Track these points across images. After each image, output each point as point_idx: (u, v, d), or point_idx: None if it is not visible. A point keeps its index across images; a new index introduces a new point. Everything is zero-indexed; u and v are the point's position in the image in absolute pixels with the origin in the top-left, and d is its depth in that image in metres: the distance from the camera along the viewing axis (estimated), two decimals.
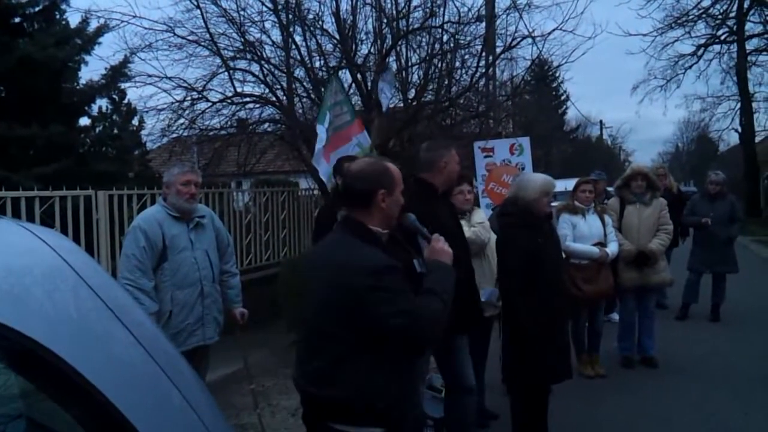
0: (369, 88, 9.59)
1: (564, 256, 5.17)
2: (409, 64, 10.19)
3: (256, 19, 9.63)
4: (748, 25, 25.28)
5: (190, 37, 9.39)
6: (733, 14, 25.06)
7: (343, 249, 2.47)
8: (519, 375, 4.21)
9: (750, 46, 25.90)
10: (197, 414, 1.31)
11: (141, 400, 1.20)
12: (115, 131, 12.22)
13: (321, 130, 6.52)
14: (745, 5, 24.77)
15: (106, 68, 10.85)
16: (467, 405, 4.04)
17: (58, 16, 10.99)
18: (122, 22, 9.28)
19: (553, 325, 4.12)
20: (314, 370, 2.45)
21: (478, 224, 4.86)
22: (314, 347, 2.50)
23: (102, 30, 10.61)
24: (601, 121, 50.22)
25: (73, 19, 11.06)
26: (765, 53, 25.48)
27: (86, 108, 11.42)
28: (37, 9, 10.63)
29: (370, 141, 6.81)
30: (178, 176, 4.17)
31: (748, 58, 25.74)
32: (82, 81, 11.14)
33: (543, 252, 4.12)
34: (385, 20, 9.56)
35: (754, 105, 27.43)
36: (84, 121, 11.68)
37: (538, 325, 4.01)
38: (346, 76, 9.64)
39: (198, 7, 9.21)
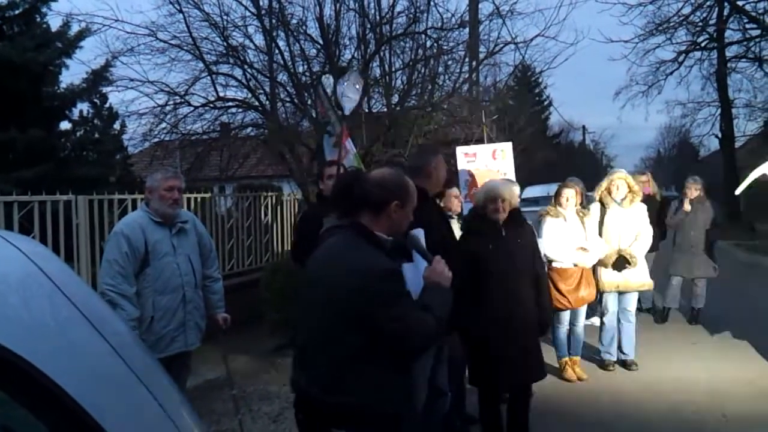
0: None
1: (544, 261, 5.21)
2: (393, 69, 10.22)
3: (239, 23, 9.62)
4: (728, 33, 25.58)
5: (172, 42, 9.35)
6: (713, 21, 25.35)
7: (354, 252, 2.48)
8: (472, 377, 4.34)
9: (729, 53, 26.21)
10: (175, 423, 1.31)
11: (117, 409, 1.19)
12: (96, 135, 12.14)
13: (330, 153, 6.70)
14: (725, 13, 25.08)
15: (87, 72, 10.79)
16: (439, 408, 4.06)
17: (38, 20, 10.90)
18: (104, 26, 9.24)
19: (500, 330, 4.14)
20: (321, 374, 2.44)
21: None
22: (320, 351, 2.48)
23: (83, 34, 10.54)
24: (583, 127, 50.59)
25: (54, 23, 10.98)
26: (744, 60, 25.81)
27: (67, 112, 11.33)
28: (17, 12, 10.54)
29: (355, 149, 6.85)
30: (162, 181, 4.14)
31: (728, 64, 26.04)
32: (63, 85, 11.07)
33: (491, 258, 4.16)
34: (368, 25, 9.58)
35: (733, 111, 27.75)
36: (65, 125, 11.61)
37: (479, 329, 4.07)
38: (329, 80, 9.63)
39: (180, 11, 9.19)
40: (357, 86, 6.93)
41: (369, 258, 2.44)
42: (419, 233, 2.82)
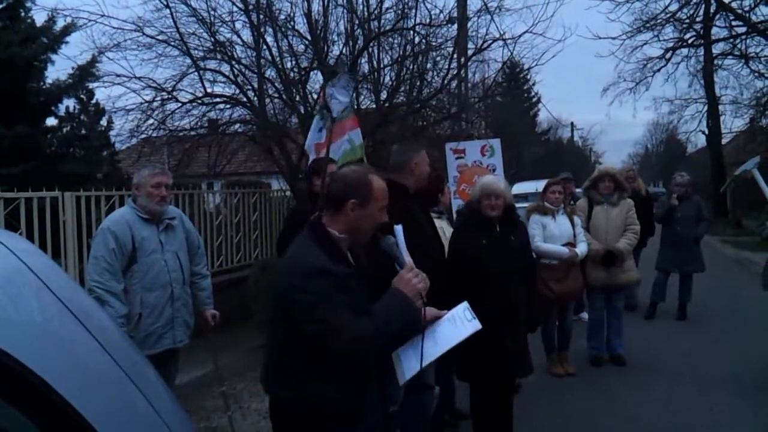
0: None
1: (534, 256, 5.22)
2: (381, 65, 10.20)
3: (226, 19, 9.56)
4: (714, 30, 25.69)
5: (159, 37, 9.28)
6: (699, 18, 25.45)
7: (296, 249, 2.48)
8: (464, 371, 4.34)
9: (716, 50, 26.34)
10: (162, 419, 1.30)
11: (105, 406, 1.18)
12: (83, 132, 11.99)
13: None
14: (712, 10, 25.22)
15: (73, 68, 10.66)
16: (425, 401, 4.07)
17: (23, 14, 10.77)
18: (90, 21, 9.15)
19: (490, 326, 4.14)
20: (264, 367, 2.53)
21: None
22: (267, 347, 2.57)
23: (69, 29, 10.42)
24: (572, 123, 50.83)
25: (39, 18, 10.91)
26: (731, 57, 25.94)
27: (53, 108, 11.20)
28: (0, 6, 10.42)
29: (362, 140, 6.80)
30: (149, 178, 4.11)
31: (715, 61, 26.18)
32: (49, 80, 10.92)
33: (485, 253, 4.17)
34: (357, 21, 9.56)
35: (720, 108, 27.90)
36: (51, 121, 11.45)
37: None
38: (317, 76, 9.63)
39: (167, 6, 9.12)
40: (347, 88, 6.90)
41: (303, 256, 2.39)
42: (397, 231, 2.77)
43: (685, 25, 25.73)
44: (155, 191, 4.10)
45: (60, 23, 10.50)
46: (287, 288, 2.36)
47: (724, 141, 29.37)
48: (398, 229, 2.82)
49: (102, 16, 9.00)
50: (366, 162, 6.51)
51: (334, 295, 2.30)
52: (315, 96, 8.93)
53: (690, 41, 26.54)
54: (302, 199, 5.57)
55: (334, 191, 2.50)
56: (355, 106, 10.33)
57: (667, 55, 26.52)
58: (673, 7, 24.71)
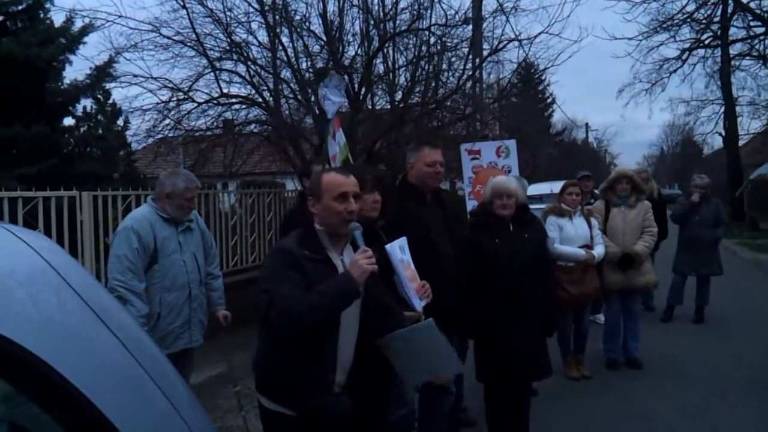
0: (356, 89, 9.59)
1: (551, 258, 5.19)
2: (396, 66, 10.20)
3: (242, 19, 9.63)
4: (732, 30, 25.50)
5: (176, 38, 9.36)
6: (717, 19, 25.25)
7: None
8: (478, 372, 4.32)
9: (734, 50, 26.12)
10: (182, 416, 1.30)
11: (125, 403, 1.18)
12: (100, 131, 12.12)
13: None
14: (729, 10, 25.01)
15: (90, 68, 10.78)
16: (442, 405, 4.06)
17: (41, 15, 10.89)
18: (107, 21, 9.24)
19: (505, 326, 4.13)
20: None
21: None
22: None
23: (87, 29, 10.53)
24: (586, 124, 50.57)
25: (58, 18, 11.04)
26: (748, 58, 25.71)
27: (70, 108, 11.32)
28: (20, 7, 10.54)
29: (345, 140, 6.85)
30: (185, 192, 4.10)
31: (732, 62, 25.96)
32: (67, 81, 11.06)
33: (498, 253, 4.15)
34: (372, 22, 9.58)
35: (737, 109, 27.63)
36: (68, 121, 11.60)
37: (483, 323, 4.09)
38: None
39: (184, 7, 9.19)
40: (339, 89, 6.93)
41: (280, 241, 2.77)
42: (402, 242, 3.08)
43: (702, 26, 25.53)
44: (188, 204, 4.12)
45: (78, 24, 10.64)
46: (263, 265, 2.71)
47: (741, 143, 29.07)
48: (403, 240, 2.87)
49: (119, 16, 9.09)
50: (351, 161, 6.59)
51: (285, 271, 2.54)
52: None
53: (707, 42, 26.33)
54: (299, 202, 5.58)
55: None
56: (370, 107, 10.37)
57: (684, 56, 26.33)
58: (690, 8, 24.56)
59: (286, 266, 2.55)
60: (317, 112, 9.24)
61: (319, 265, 2.60)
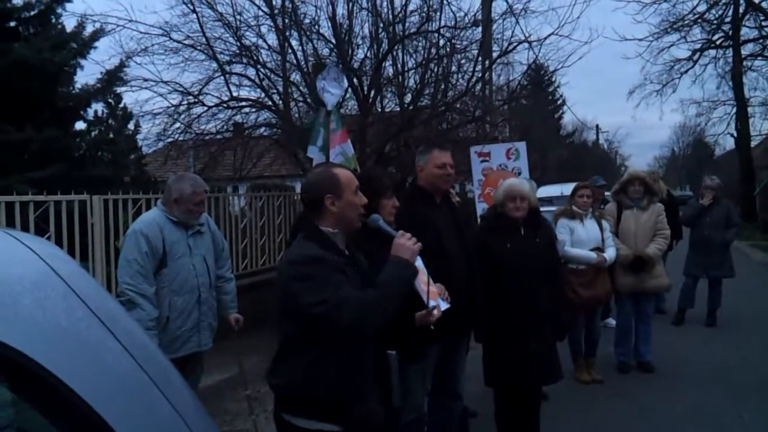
0: (366, 92, 9.59)
1: (561, 261, 5.16)
2: (406, 68, 10.20)
3: (252, 23, 9.65)
4: (744, 30, 25.38)
5: (186, 42, 9.40)
6: (728, 19, 25.12)
7: (293, 248, 2.67)
8: (488, 377, 4.29)
9: (745, 51, 25.99)
10: (186, 423, 1.29)
11: (129, 411, 1.18)
12: (111, 135, 12.19)
13: (313, 151, 6.75)
14: (741, 10, 24.85)
15: (101, 72, 10.84)
16: (453, 411, 4.03)
17: (53, 20, 10.96)
18: (118, 26, 9.31)
19: (516, 330, 4.10)
20: (271, 361, 2.63)
21: None
22: (279, 342, 2.65)
23: (98, 34, 10.59)
24: (597, 126, 50.38)
25: (69, 23, 11.05)
26: (760, 58, 25.55)
27: (82, 112, 11.39)
28: (32, 13, 10.61)
29: (353, 151, 6.87)
30: (192, 196, 4.10)
31: (744, 62, 25.81)
32: (78, 85, 11.13)
33: (509, 256, 4.13)
34: (381, 25, 9.57)
35: (749, 110, 27.48)
36: (79, 125, 11.66)
37: (492, 327, 4.06)
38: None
39: (194, 11, 9.23)
40: (338, 80, 6.95)
41: (298, 250, 2.58)
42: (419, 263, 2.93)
43: (713, 26, 25.42)
44: (197, 208, 4.13)
45: (89, 29, 10.69)
46: (286, 281, 2.52)
47: (753, 143, 28.91)
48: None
49: (130, 21, 9.14)
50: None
51: (331, 275, 2.45)
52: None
53: (718, 42, 26.20)
54: None
55: (309, 196, 2.68)
56: (380, 110, 10.37)
57: (695, 57, 26.23)
58: (702, 8, 24.46)
59: (329, 272, 2.47)
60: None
61: (349, 266, 2.59)
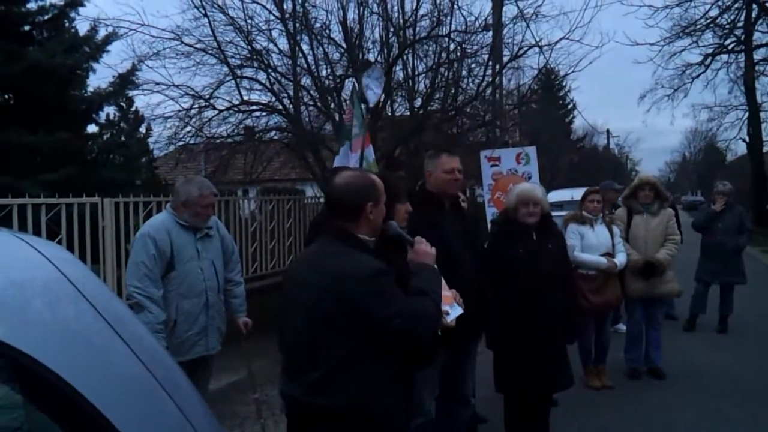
0: None
1: (571, 266, 5.13)
2: (416, 72, 10.20)
3: (263, 27, 9.68)
4: (756, 35, 25.19)
5: (197, 46, 9.45)
6: (740, 24, 24.96)
7: (337, 258, 2.48)
8: (498, 383, 4.27)
9: (758, 55, 25.79)
10: (194, 427, 1.29)
11: (137, 415, 1.18)
12: (123, 139, 12.29)
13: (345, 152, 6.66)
14: (753, 15, 24.70)
15: (114, 76, 10.94)
16: (460, 416, 4.02)
17: (66, 25, 11.07)
18: (130, 30, 9.35)
19: (527, 336, 4.08)
20: (312, 380, 2.42)
21: None
22: (308, 357, 2.46)
23: (110, 38, 10.68)
24: (608, 130, 50.18)
25: (82, 28, 11.18)
26: None
27: (94, 115, 11.49)
28: (46, 17, 10.71)
29: (375, 156, 6.84)
30: (199, 199, 4.09)
31: (756, 67, 25.61)
32: (90, 89, 11.23)
33: (521, 261, 4.11)
34: (391, 29, 9.59)
35: (762, 115, 27.29)
36: (91, 128, 11.77)
37: (504, 334, 4.05)
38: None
39: (205, 15, 9.28)
40: (380, 80, 6.95)
41: (360, 262, 2.43)
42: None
43: (725, 31, 25.26)
44: (205, 211, 4.12)
45: (102, 33, 10.78)
46: (357, 297, 2.37)
47: (765, 149, 28.66)
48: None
49: (142, 25, 9.20)
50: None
51: (396, 289, 2.42)
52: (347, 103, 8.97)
53: (730, 47, 26.04)
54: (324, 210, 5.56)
55: (349, 202, 2.54)
56: (390, 114, 10.38)
57: (707, 62, 26.06)
58: (713, 13, 24.30)
59: (394, 285, 2.43)
60: (337, 119, 9.26)
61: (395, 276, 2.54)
